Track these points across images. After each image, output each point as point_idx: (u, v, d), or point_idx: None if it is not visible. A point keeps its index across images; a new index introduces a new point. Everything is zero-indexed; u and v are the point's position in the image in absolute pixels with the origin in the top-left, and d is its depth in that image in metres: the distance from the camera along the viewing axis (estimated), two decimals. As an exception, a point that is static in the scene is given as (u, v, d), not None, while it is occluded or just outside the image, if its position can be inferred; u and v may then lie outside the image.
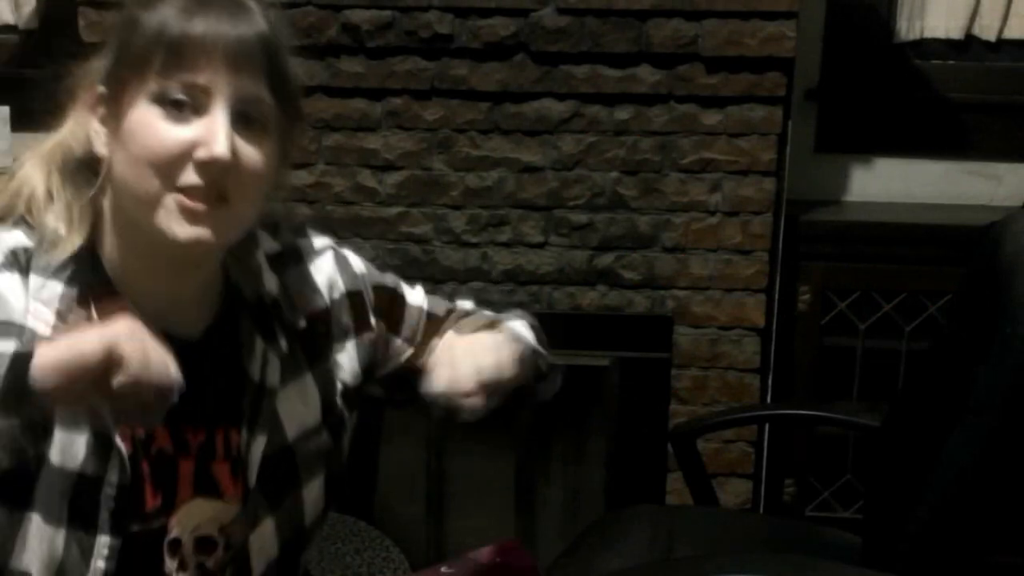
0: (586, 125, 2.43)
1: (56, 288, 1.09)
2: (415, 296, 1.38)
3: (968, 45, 2.72)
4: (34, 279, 1.09)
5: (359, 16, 2.36)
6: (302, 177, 2.44)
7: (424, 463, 2.62)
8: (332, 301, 1.27)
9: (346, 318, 1.28)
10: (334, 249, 1.31)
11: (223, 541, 1.17)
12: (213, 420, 1.17)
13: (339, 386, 1.28)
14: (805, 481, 2.69)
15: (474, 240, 2.49)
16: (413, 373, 1.29)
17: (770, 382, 2.56)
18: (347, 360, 1.29)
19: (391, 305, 1.33)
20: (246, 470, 1.18)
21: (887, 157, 2.77)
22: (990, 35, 2.70)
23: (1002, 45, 2.72)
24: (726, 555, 1.66)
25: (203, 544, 1.16)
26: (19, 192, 1.14)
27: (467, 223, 2.48)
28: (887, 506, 1.80)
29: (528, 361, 1.26)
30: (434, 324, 1.36)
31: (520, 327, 1.37)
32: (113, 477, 1.09)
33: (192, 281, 1.16)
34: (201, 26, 1.07)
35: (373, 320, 1.30)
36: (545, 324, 2.51)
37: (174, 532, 1.14)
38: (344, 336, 1.28)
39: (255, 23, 1.10)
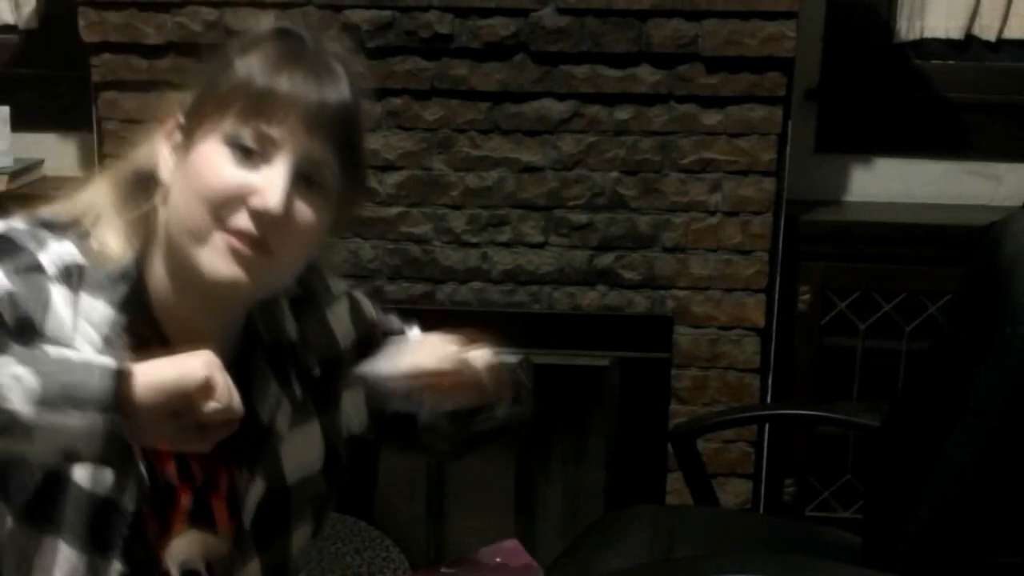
0: (586, 125, 2.43)
1: (105, 312, 1.10)
2: (416, 337, 1.40)
3: (968, 45, 2.72)
4: (84, 298, 1.10)
5: (359, 16, 2.36)
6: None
7: (424, 463, 2.62)
8: (345, 349, 1.29)
9: (353, 366, 1.28)
10: (350, 295, 1.33)
11: (207, 574, 1.17)
12: (218, 456, 1.16)
13: (344, 434, 1.30)
14: (805, 481, 2.69)
15: (474, 240, 2.49)
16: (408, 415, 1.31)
17: (770, 382, 2.56)
18: (354, 408, 1.31)
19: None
20: (242, 510, 1.19)
21: (887, 157, 2.77)
22: (990, 35, 2.70)
23: (1002, 45, 2.72)
24: (726, 555, 1.66)
25: (186, 573, 1.16)
26: (88, 204, 1.15)
27: (467, 223, 2.48)
28: (887, 506, 1.80)
29: (504, 376, 1.28)
30: None
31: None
32: (129, 503, 1.10)
33: (220, 319, 1.17)
34: (286, 83, 1.09)
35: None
36: (545, 324, 2.53)
37: (167, 562, 1.15)
38: (352, 385, 1.29)
39: (339, 90, 1.13)
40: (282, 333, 1.22)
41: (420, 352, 1.21)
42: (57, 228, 1.12)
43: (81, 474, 1.08)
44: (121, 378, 0.97)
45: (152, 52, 2.40)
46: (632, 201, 2.46)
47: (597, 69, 2.39)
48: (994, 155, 2.74)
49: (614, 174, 2.45)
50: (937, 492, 1.52)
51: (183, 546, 1.15)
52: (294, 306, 1.25)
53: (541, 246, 2.49)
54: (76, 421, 0.95)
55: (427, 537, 2.66)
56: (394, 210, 2.48)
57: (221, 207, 1.08)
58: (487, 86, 2.40)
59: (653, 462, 2.56)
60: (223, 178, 1.08)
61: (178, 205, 1.11)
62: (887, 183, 2.77)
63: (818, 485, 2.70)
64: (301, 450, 1.24)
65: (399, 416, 1.28)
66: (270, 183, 1.07)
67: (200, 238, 1.08)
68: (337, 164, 1.11)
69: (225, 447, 1.15)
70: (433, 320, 2.72)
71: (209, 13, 2.37)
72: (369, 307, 1.36)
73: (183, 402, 0.98)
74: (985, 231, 1.63)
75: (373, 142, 2.45)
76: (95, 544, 1.10)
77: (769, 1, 2.31)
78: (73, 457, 0.99)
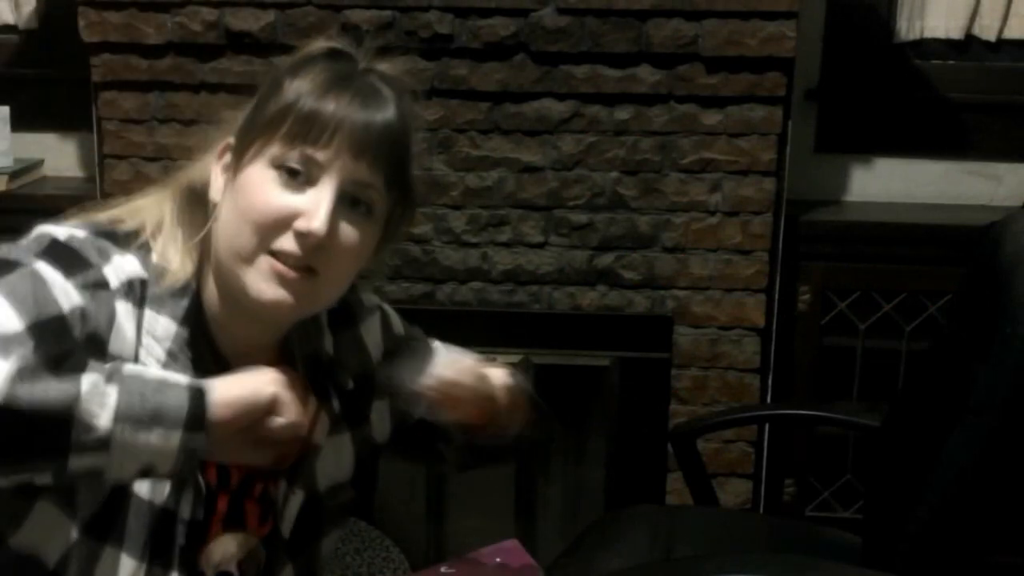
0: (586, 125, 2.43)
1: (170, 327, 1.11)
2: (439, 348, 1.41)
3: (968, 45, 2.72)
4: (148, 313, 1.11)
5: (359, 16, 2.36)
6: (302, 177, 2.45)
7: (424, 463, 2.62)
8: (376, 362, 1.32)
9: (381, 379, 1.31)
10: (381, 309, 1.36)
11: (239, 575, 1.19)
12: (257, 474, 1.19)
13: (370, 445, 1.33)
14: (805, 481, 2.69)
15: (474, 240, 2.49)
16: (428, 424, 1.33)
17: (770, 382, 2.56)
18: (379, 420, 1.33)
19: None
20: (278, 518, 1.21)
21: (887, 157, 2.77)
22: (990, 35, 2.70)
23: (1002, 45, 2.72)
24: (726, 555, 1.66)
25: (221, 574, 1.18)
26: (148, 216, 1.16)
27: (467, 223, 2.48)
28: (887, 506, 1.80)
29: (524, 401, 1.34)
30: None
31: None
32: (186, 512, 1.12)
33: (266, 338, 1.19)
34: (332, 106, 1.11)
35: None
36: (545, 324, 2.53)
37: (208, 561, 1.16)
38: (380, 395, 1.32)
39: (386, 112, 1.13)
40: (320, 348, 1.24)
41: (442, 362, 1.23)
42: (119, 239, 1.13)
43: (142, 486, 1.10)
44: (201, 396, 1.00)
45: (152, 52, 2.40)
46: (632, 201, 2.46)
47: (597, 69, 2.39)
48: (994, 155, 2.74)
49: (614, 174, 2.45)
50: (937, 492, 1.52)
51: (219, 550, 1.17)
52: (332, 321, 1.27)
53: (541, 246, 2.49)
54: (158, 439, 0.98)
55: (427, 537, 2.66)
56: (394, 210, 2.47)
57: (267, 230, 1.09)
58: (487, 86, 2.40)
59: (653, 462, 2.56)
60: (269, 201, 1.09)
61: (227, 226, 1.12)
62: (887, 183, 2.77)
63: (818, 485, 2.70)
64: (332, 460, 1.26)
65: (418, 425, 1.29)
66: (315, 205, 1.09)
67: (247, 260, 1.10)
68: (383, 186, 1.13)
69: None
70: (433, 320, 2.72)
71: (209, 13, 2.37)
72: (398, 321, 1.39)
73: (254, 418, 1.02)
74: (985, 231, 1.63)
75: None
76: (155, 554, 1.11)
77: (769, 1, 2.31)
78: (150, 473, 1.01)
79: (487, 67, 2.39)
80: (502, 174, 2.46)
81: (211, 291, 1.16)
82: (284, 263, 1.09)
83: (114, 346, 1.07)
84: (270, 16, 2.37)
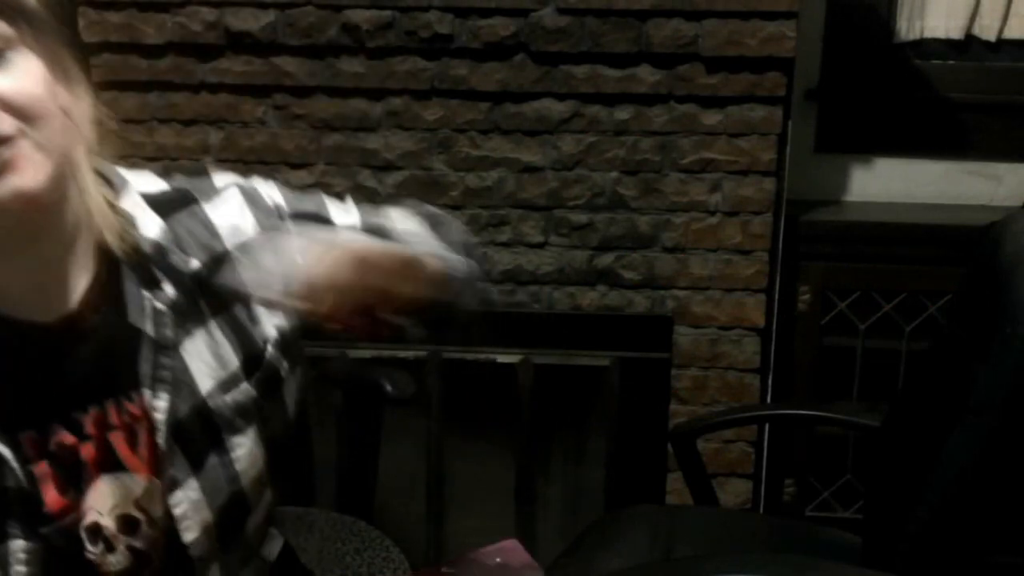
0: (586, 125, 2.43)
1: None
2: (345, 216, 1.25)
3: (968, 45, 2.73)
4: None
5: (359, 16, 2.36)
6: (302, 177, 2.45)
7: (424, 463, 2.62)
8: (238, 241, 1.17)
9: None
10: (239, 186, 1.21)
11: (143, 516, 1.12)
12: (103, 392, 1.10)
13: (272, 334, 1.19)
14: (805, 481, 2.69)
15: (474, 240, 2.48)
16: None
17: (770, 382, 2.56)
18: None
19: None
20: (153, 434, 1.12)
21: (887, 157, 2.77)
22: (990, 35, 2.70)
23: (1002, 45, 2.72)
24: (726, 555, 1.66)
25: (127, 523, 1.12)
26: None
27: (467, 223, 2.48)
28: (887, 506, 1.80)
29: (410, 264, 1.10)
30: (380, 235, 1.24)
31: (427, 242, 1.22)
32: (10, 483, 1.06)
33: (45, 252, 1.07)
34: None
35: None
36: (545, 324, 2.53)
37: (90, 518, 1.10)
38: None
39: None
40: (138, 235, 1.12)
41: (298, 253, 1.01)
42: None
43: None
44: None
45: (152, 52, 2.40)
46: (632, 201, 2.46)
47: (597, 69, 2.39)
48: (994, 155, 2.74)
49: (614, 174, 2.45)
50: (937, 492, 1.52)
51: (103, 496, 1.10)
52: (157, 205, 1.15)
53: (541, 246, 2.49)
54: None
55: (427, 537, 2.66)
56: (394, 210, 2.48)
57: None
58: (487, 86, 2.40)
59: (653, 462, 2.56)
60: None
61: None
62: (887, 183, 2.77)
63: (818, 485, 2.70)
64: (205, 355, 1.15)
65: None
66: None
67: None
68: (6, 27, 1.00)
69: (112, 378, 1.10)
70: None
71: (209, 13, 2.37)
72: (272, 191, 1.22)
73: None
74: (985, 231, 1.63)
75: (373, 142, 2.45)
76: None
77: (769, 1, 2.31)
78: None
79: (487, 67, 2.39)
80: (502, 174, 2.46)
81: None
82: None
83: None
84: (270, 16, 2.37)
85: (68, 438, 1.09)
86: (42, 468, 1.08)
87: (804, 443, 2.66)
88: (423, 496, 2.65)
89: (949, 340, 1.72)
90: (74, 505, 1.10)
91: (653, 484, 2.56)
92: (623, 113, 2.42)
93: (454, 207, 2.47)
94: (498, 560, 1.39)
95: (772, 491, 2.64)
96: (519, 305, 2.52)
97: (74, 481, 1.09)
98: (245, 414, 1.18)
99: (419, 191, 2.46)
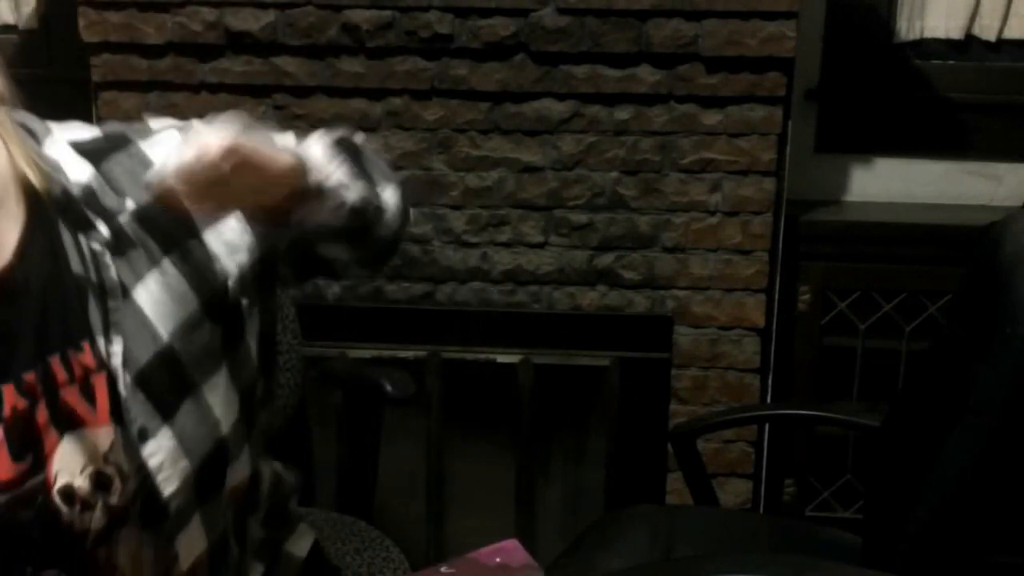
0: (586, 125, 2.43)
1: None
2: (286, 142, 1.19)
3: (968, 45, 2.72)
4: None
5: (359, 16, 2.36)
6: (302, 177, 2.44)
7: (424, 463, 2.62)
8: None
9: None
10: (178, 128, 1.17)
11: (115, 471, 1.08)
12: (51, 347, 1.06)
13: (233, 270, 1.14)
14: (805, 481, 2.69)
15: (474, 240, 2.49)
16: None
17: (770, 382, 2.56)
18: (235, 238, 1.14)
19: None
20: (113, 384, 1.08)
21: (887, 157, 2.77)
22: (990, 35, 2.70)
23: (1002, 45, 2.72)
24: (726, 555, 1.66)
25: (100, 481, 1.08)
26: None
27: (467, 223, 2.48)
28: (887, 506, 1.80)
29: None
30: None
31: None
32: None
33: None
34: None
35: None
36: (545, 324, 2.53)
37: (61, 480, 1.06)
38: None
39: None
40: (66, 180, 1.09)
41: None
42: None
43: None
44: None
45: (152, 52, 2.40)
46: (632, 201, 2.46)
47: (597, 69, 2.39)
48: (994, 155, 2.74)
49: (614, 174, 2.45)
50: (937, 492, 1.52)
51: (69, 456, 1.07)
52: (86, 151, 1.12)
53: (541, 246, 2.49)
54: None
55: (427, 537, 2.66)
56: (394, 210, 2.47)
57: None
58: (487, 86, 2.40)
59: (653, 462, 2.56)
60: None
61: None
62: (887, 183, 2.77)
63: (818, 485, 2.70)
64: (162, 297, 1.10)
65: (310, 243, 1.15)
66: None
67: None
68: None
69: (56, 332, 1.06)
70: (433, 320, 2.73)
71: (209, 13, 2.37)
72: (210, 130, 1.12)
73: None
74: (985, 231, 1.63)
75: (373, 142, 2.45)
76: None
77: (769, 1, 2.31)
78: None
79: (487, 67, 2.39)
80: (502, 174, 2.46)
81: None
82: None
83: None
84: (270, 16, 2.37)
85: (20, 402, 1.05)
86: None
87: (804, 443, 2.66)
88: (423, 496, 2.65)
89: (949, 340, 1.72)
90: (33, 471, 1.06)
91: (653, 484, 2.56)
92: (623, 113, 2.42)
93: (454, 207, 2.47)
94: (498, 560, 1.38)
95: (772, 491, 2.64)
96: (519, 305, 2.52)
97: (31, 446, 1.05)
98: (213, 355, 1.13)
99: (419, 191, 2.46)
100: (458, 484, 2.68)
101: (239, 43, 2.39)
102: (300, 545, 1.34)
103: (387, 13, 2.37)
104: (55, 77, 2.72)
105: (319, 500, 2.38)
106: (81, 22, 2.38)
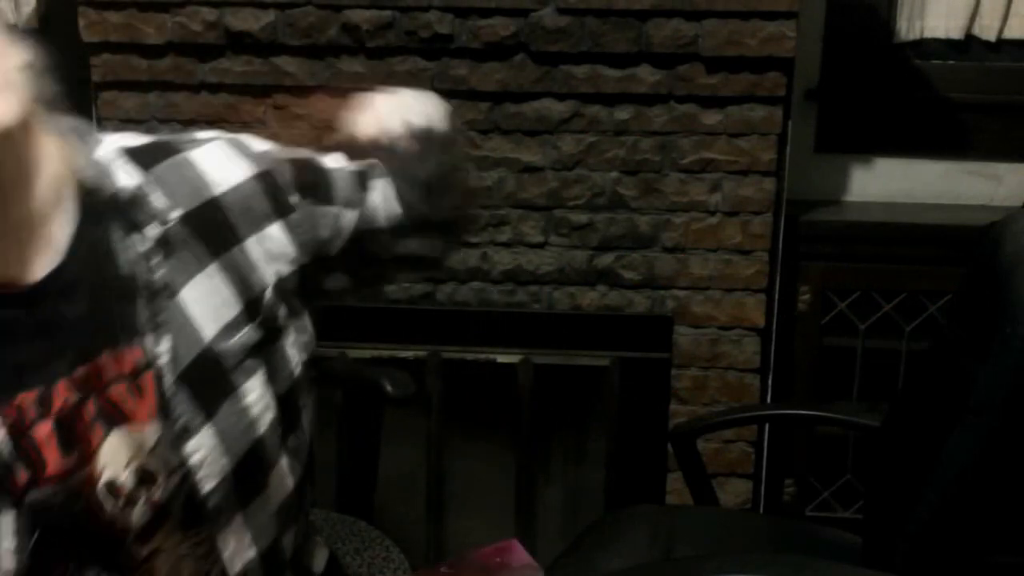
0: (586, 125, 2.43)
1: None
2: (333, 160, 1.31)
3: (968, 45, 2.72)
4: None
5: (359, 16, 2.36)
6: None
7: (424, 463, 2.62)
8: (231, 188, 1.18)
9: (259, 203, 1.18)
10: (224, 139, 1.22)
11: (158, 466, 1.10)
12: (101, 343, 1.09)
13: (272, 277, 1.19)
14: (805, 481, 2.69)
15: (474, 240, 2.49)
16: (369, 237, 1.29)
17: (770, 382, 2.56)
18: (276, 247, 1.19)
19: (312, 176, 1.26)
20: (159, 381, 1.10)
21: (887, 157, 2.77)
22: (990, 35, 2.70)
23: (1002, 45, 2.72)
24: (726, 555, 1.66)
25: (144, 476, 1.10)
26: None
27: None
28: (887, 506, 1.80)
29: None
30: (365, 177, 1.32)
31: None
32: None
33: (20, 209, 1.05)
34: None
35: (295, 198, 1.22)
36: (545, 324, 2.53)
37: (106, 475, 1.08)
38: (262, 222, 1.18)
39: None
40: (115, 183, 1.12)
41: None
42: None
43: None
44: None
45: (152, 52, 2.40)
46: (632, 201, 2.46)
47: (597, 69, 2.39)
48: (994, 155, 2.74)
49: (614, 174, 2.45)
50: (937, 492, 1.52)
51: (115, 451, 1.08)
52: (137, 156, 1.15)
53: (541, 246, 2.49)
54: None
55: (427, 537, 2.66)
56: (394, 210, 2.47)
57: None
58: (487, 86, 2.40)
59: (653, 462, 2.56)
60: None
61: None
62: (887, 183, 2.77)
63: (818, 485, 2.70)
64: (207, 298, 1.14)
65: (367, 250, 1.28)
66: None
67: None
68: None
69: (104, 329, 1.08)
70: (433, 320, 2.72)
71: (209, 13, 2.37)
72: (258, 142, 1.24)
73: None
74: (985, 231, 1.63)
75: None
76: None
77: (769, 1, 2.31)
78: None
79: (487, 67, 2.39)
80: (502, 174, 2.46)
81: None
82: None
83: None
84: (270, 16, 2.37)
85: (71, 396, 1.07)
86: (45, 430, 1.06)
87: (804, 443, 2.66)
88: (423, 496, 2.65)
89: (949, 340, 1.72)
90: (80, 465, 1.07)
91: (653, 484, 2.56)
92: (623, 113, 2.42)
93: (454, 207, 2.47)
94: (498, 560, 1.38)
95: (772, 491, 2.64)
96: (519, 305, 2.52)
97: (79, 440, 1.07)
98: (251, 357, 1.17)
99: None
100: (458, 484, 2.68)
101: (239, 43, 2.39)
102: (318, 560, 1.35)
103: (387, 13, 2.37)
104: (55, 77, 2.72)
105: (319, 500, 2.38)
106: (81, 22, 2.38)
